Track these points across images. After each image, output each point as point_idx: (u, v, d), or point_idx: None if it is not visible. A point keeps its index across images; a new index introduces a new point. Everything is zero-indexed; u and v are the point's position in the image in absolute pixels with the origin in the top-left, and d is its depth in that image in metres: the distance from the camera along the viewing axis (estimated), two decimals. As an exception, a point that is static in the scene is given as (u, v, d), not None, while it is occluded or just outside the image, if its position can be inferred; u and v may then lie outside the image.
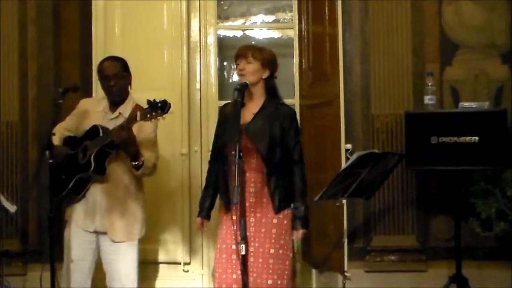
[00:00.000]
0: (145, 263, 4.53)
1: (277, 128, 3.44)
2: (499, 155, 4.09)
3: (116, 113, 3.67)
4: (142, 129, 3.57)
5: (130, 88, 3.76)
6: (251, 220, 3.42)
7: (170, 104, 3.23)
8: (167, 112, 3.23)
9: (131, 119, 3.35)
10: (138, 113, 3.29)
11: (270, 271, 3.39)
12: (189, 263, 4.98)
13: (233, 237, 3.30)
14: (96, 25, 4.99)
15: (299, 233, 3.45)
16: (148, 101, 3.23)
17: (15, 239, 4.91)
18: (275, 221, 3.43)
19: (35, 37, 5.04)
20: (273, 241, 3.41)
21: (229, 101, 3.71)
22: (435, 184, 4.68)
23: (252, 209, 3.43)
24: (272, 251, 3.40)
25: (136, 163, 3.48)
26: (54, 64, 5.05)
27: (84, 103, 3.83)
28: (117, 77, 3.64)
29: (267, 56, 3.51)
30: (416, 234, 4.73)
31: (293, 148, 3.48)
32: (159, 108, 3.20)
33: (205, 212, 3.65)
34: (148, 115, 3.23)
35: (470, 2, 4.82)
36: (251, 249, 3.37)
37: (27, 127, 5.00)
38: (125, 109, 3.66)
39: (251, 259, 3.36)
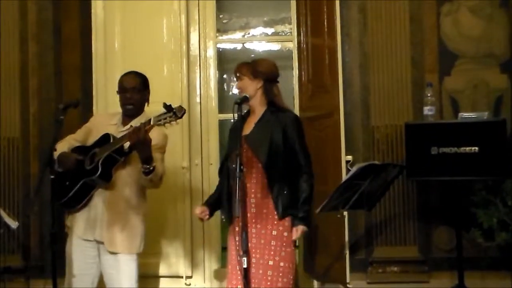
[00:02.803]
0: (147, 277, 4.53)
1: (278, 135, 3.45)
2: (500, 165, 4.09)
3: (127, 126, 3.67)
4: (154, 142, 3.56)
5: (147, 105, 3.78)
6: (252, 231, 3.43)
7: (185, 110, 3.27)
8: (181, 118, 3.26)
9: (145, 124, 3.35)
10: (152, 118, 3.31)
11: (269, 283, 3.37)
12: (191, 277, 4.97)
13: (236, 248, 3.36)
14: (96, 39, 5.01)
15: (298, 229, 3.40)
16: (164, 105, 3.25)
17: (17, 255, 4.92)
18: (274, 233, 3.42)
19: (35, 52, 5.08)
20: (272, 253, 3.40)
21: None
22: (436, 195, 4.69)
23: (253, 220, 3.44)
24: (271, 263, 3.39)
25: (148, 166, 3.44)
26: (55, 79, 5.09)
27: (98, 117, 3.89)
28: (134, 90, 3.69)
29: (255, 68, 3.54)
30: (418, 245, 4.73)
31: (299, 153, 3.47)
32: (174, 113, 3.22)
33: (207, 201, 3.71)
34: (162, 120, 3.26)
35: (468, 12, 4.83)
36: (253, 260, 3.37)
37: (28, 143, 5.02)
38: (137, 124, 3.65)
39: (252, 270, 3.36)
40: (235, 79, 3.66)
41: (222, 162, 3.70)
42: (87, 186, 3.59)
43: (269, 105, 3.55)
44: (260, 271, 3.39)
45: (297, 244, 3.61)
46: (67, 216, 3.75)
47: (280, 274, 3.40)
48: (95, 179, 3.54)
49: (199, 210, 3.68)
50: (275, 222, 3.43)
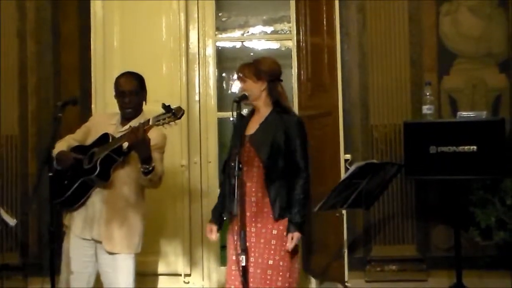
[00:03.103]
0: (145, 275, 4.54)
1: (281, 137, 3.42)
2: (498, 164, 4.10)
3: (126, 127, 3.64)
4: (154, 142, 3.56)
5: (145, 104, 3.76)
6: (252, 230, 3.40)
7: (184, 110, 3.26)
8: (180, 118, 3.25)
9: (144, 124, 3.34)
10: (151, 118, 3.30)
11: (268, 282, 3.35)
12: (189, 275, 4.97)
13: (235, 247, 3.34)
14: (95, 38, 5.01)
15: (294, 237, 3.36)
16: (163, 105, 3.24)
17: (15, 253, 4.92)
18: (274, 232, 3.40)
19: (34, 51, 5.08)
20: (272, 252, 3.38)
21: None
22: (435, 194, 4.69)
23: (253, 219, 3.41)
24: (270, 262, 3.37)
25: (147, 166, 3.43)
26: (53, 77, 5.09)
27: (97, 116, 3.87)
28: (132, 94, 3.65)
29: (259, 69, 3.50)
30: (416, 243, 4.74)
31: (298, 156, 3.44)
32: (173, 113, 3.22)
33: (215, 219, 3.61)
34: (161, 120, 3.25)
35: (467, 12, 4.84)
36: (251, 259, 3.35)
37: (26, 141, 5.03)
38: (136, 124, 3.65)
39: (250, 270, 3.33)
40: (237, 80, 3.61)
41: (224, 161, 3.63)
42: (85, 185, 3.58)
43: (275, 105, 3.52)
44: (258, 271, 3.37)
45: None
46: (65, 215, 3.75)
47: (280, 273, 3.38)
48: (93, 178, 3.53)
49: (208, 229, 3.63)
50: (276, 221, 3.41)
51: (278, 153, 3.41)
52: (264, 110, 3.53)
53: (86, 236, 3.64)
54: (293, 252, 3.43)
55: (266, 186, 3.41)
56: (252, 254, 3.36)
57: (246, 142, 3.45)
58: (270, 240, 3.40)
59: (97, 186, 3.60)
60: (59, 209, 3.75)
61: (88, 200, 3.62)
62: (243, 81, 3.52)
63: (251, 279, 3.32)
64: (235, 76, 3.77)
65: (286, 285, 3.40)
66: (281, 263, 3.39)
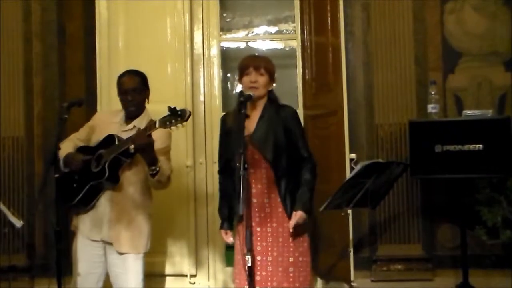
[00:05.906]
0: (151, 276, 4.53)
1: (281, 131, 3.42)
2: (504, 162, 4.09)
3: (130, 126, 3.67)
4: (157, 143, 3.57)
5: (148, 103, 3.76)
6: (268, 230, 3.41)
7: (190, 112, 3.24)
8: (186, 120, 3.23)
9: (150, 126, 3.34)
10: (158, 121, 3.29)
11: (291, 279, 3.37)
12: (195, 275, 4.98)
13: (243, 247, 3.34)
14: (100, 39, 5.02)
15: (297, 214, 3.35)
16: (169, 108, 3.23)
17: (22, 254, 4.93)
18: (291, 229, 3.40)
19: (40, 51, 5.08)
20: (291, 249, 3.39)
21: (229, 111, 3.70)
22: (440, 193, 4.67)
23: (268, 219, 3.42)
24: (291, 259, 3.38)
25: (154, 168, 3.46)
26: (59, 78, 5.09)
27: (100, 115, 3.87)
28: (135, 92, 3.66)
29: (273, 68, 3.50)
30: (422, 242, 4.73)
31: (301, 146, 3.45)
32: (179, 115, 3.21)
33: (226, 223, 3.58)
34: (168, 123, 3.24)
35: (472, 10, 4.83)
36: (269, 258, 3.37)
37: (32, 142, 5.03)
38: (140, 123, 3.65)
39: (269, 269, 3.36)
40: (251, 69, 3.44)
41: (221, 160, 3.61)
42: (95, 188, 3.60)
43: (268, 101, 3.49)
44: (280, 269, 3.38)
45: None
46: (75, 216, 3.76)
47: (301, 269, 3.41)
48: (103, 182, 3.55)
49: (223, 234, 3.60)
50: (291, 219, 3.40)
51: (282, 151, 3.41)
52: (260, 107, 3.50)
53: (95, 237, 3.65)
54: (308, 248, 3.45)
55: (275, 183, 3.41)
56: (270, 254, 3.39)
57: (247, 144, 3.39)
58: (288, 238, 3.40)
59: (106, 189, 3.61)
60: (68, 212, 3.76)
61: (97, 201, 3.64)
62: (261, 75, 3.44)
63: (274, 278, 3.36)
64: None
65: (309, 278, 3.43)
66: (300, 259, 3.42)
